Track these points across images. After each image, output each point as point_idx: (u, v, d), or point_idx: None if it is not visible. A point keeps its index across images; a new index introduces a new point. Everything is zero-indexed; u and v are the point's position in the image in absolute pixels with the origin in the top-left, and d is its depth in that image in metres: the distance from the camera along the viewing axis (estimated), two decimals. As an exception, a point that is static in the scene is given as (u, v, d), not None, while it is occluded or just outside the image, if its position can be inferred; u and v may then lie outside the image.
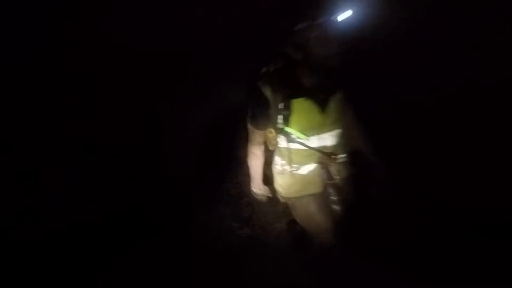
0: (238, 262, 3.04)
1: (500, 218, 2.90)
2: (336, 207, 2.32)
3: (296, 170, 2.11)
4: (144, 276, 2.88)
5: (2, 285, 2.64)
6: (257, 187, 2.37)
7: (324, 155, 2.05)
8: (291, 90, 1.87)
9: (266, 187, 2.41)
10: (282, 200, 2.41)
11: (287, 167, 2.12)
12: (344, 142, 2.19)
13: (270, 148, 2.29)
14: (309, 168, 2.11)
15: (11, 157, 2.90)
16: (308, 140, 1.98)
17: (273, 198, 2.46)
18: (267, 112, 1.92)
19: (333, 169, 2.15)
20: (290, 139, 1.99)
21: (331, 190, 2.27)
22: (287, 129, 1.93)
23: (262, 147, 2.21)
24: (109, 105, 3.33)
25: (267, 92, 1.87)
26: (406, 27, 3.31)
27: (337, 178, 2.17)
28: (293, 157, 2.07)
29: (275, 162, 2.25)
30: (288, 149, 2.05)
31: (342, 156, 2.17)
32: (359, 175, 2.37)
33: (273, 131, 2.11)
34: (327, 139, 2.05)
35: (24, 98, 2.86)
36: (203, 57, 3.58)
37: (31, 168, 3.01)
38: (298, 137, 1.96)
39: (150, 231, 3.29)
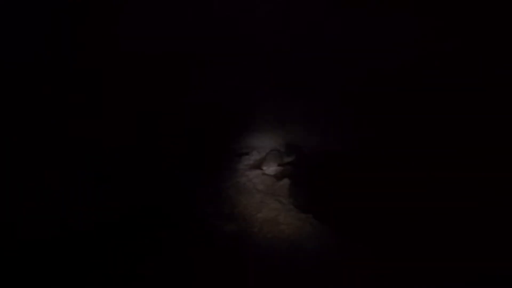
0: (230, 256, 3.06)
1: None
2: None
3: None
4: (142, 274, 2.88)
5: (4, 284, 2.64)
6: None
7: None
8: None
9: None
10: None
11: None
12: None
13: None
14: None
15: (11, 157, 2.90)
16: None
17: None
18: None
19: None
20: None
21: None
22: None
23: None
24: (109, 105, 3.33)
25: None
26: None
27: None
28: None
29: None
30: None
31: None
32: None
33: None
34: None
35: (24, 98, 2.86)
36: (202, 57, 3.58)
37: (31, 168, 3.01)
38: None
39: (148, 230, 3.29)
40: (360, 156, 3.74)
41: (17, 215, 2.91)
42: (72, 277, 2.77)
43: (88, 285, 2.77)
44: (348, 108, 3.89)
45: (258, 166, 4.30)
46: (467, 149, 3.24)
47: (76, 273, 2.81)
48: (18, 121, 2.89)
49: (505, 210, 2.91)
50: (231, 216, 3.61)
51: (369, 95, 3.63)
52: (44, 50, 2.89)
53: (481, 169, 3.11)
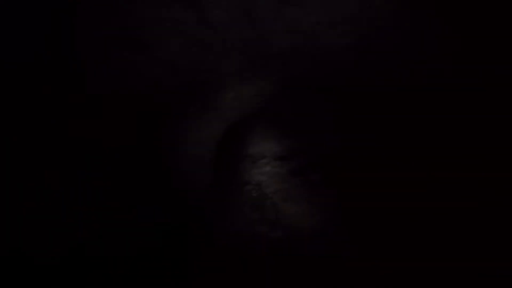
0: (272, 266, 3.01)
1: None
2: None
3: None
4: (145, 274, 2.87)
5: (4, 283, 2.64)
6: None
7: None
8: None
9: None
10: None
11: None
12: None
13: None
14: None
15: (11, 157, 2.89)
16: None
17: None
18: None
19: None
20: None
21: None
22: None
23: None
24: (109, 105, 3.33)
25: None
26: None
27: None
28: None
29: None
30: None
31: None
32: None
33: None
34: None
35: (24, 98, 2.86)
36: (204, 56, 3.57)
37: (31, 168, 3.01)
38: None
39: (159, 235, 3.29)
40: (360, 156, 3.74)
41: (17, 215, 2.91)
42: (72, 277, 2.77)
43: (88, 285, 2.77)
44: (348, 108, 3.88)
45: (302, 171, 4.08)
46: (467, 149, 3.24)
47: (74, 273, 2.81)
48: (18, 121, 2.89)
49: (505, 210, 2.91)
50: (276, 223, 3.50)
51: (369, 95, 3.63)
52: (44, 50, 2.89)
53: (481, 169, 3.11)
